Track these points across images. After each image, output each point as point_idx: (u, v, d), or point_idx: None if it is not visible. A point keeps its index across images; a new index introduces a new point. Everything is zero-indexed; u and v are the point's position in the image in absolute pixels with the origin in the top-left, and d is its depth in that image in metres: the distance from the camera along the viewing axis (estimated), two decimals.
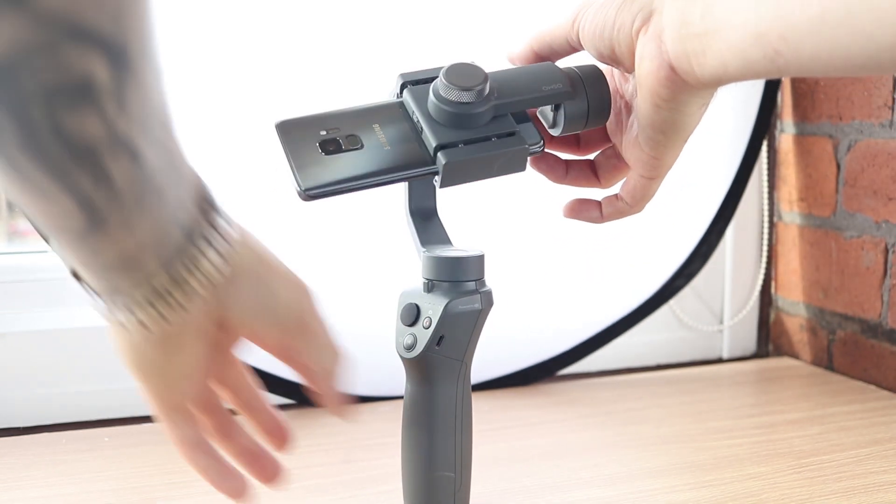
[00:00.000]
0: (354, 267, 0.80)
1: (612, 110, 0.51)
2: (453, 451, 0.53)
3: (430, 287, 0.50)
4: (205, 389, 0.46)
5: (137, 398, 0.78)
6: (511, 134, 0.49)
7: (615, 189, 0.54)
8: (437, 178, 0.48)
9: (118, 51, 0.30)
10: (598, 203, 0.54)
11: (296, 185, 0.47)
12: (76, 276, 0.41)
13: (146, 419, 0.77)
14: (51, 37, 0.28)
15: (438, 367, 0.51)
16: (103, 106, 0.31)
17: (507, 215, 0.84)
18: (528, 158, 0.50)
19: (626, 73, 0.50)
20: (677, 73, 0.44)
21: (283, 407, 0.81)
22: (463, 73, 0.48)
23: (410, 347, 0.51)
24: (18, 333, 0.76)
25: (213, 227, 0.40)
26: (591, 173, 0.55)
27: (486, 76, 0.48)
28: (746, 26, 0.39)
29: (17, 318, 0.78)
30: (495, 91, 0.49)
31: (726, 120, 0.94)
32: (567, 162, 0.55)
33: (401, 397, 0.83)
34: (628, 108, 0.51)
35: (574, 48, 0.51)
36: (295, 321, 0.44)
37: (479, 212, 0.82)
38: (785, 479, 0.63)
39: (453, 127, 0.48)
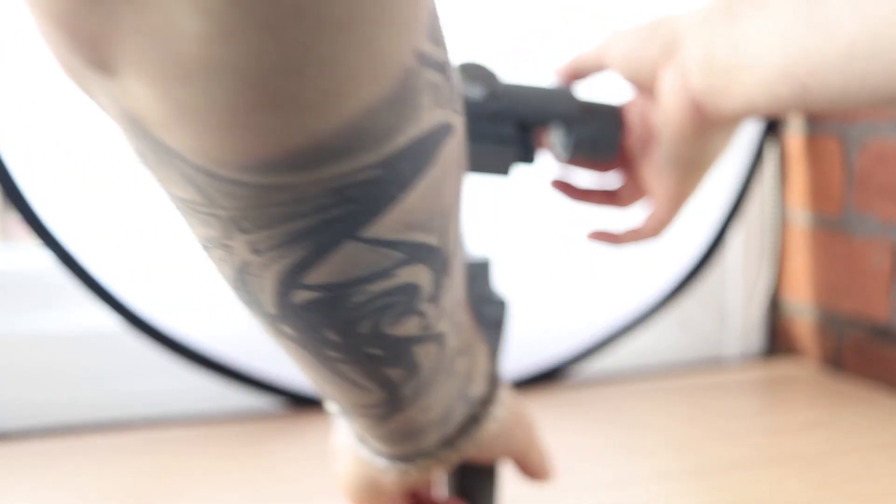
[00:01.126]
0: None
1: (637, 137, 0.52)
2: None
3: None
4: None
5: (131, 402, 0.78)
6: (503, 139, 0.49)
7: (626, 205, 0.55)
8: None
9: (442, 260, 0.30)
10: (619, 235, 0.55)
11: None
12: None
13: (140, 423, 0.77)
14: (388, 261, 0.28)
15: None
16: (423, 310, 0.31)
17: (510, 218, 0.83)
18: (514, 169, 0.51)
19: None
20: (703, 109, 0.44)
21: (279, 410, 0.80)
22: (475, 70, 0.49)
23: None
24: (10, 337, 0.75)
25: (496, 397, 0.43)
26: (608, 194, 0.55)
27: (496, 78, 0.49)
28: (773, 62, 0.39)
29: (8, 321, 0.77)
30: (503, 97, 0.49)
31: None
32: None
33: None
34: (654, 136, 0.51)
35: (603, 70, 0.51)
36: (522, 456, 0.48)
37: (482, 213, 0.81)
38: (792, 484, 0.62)
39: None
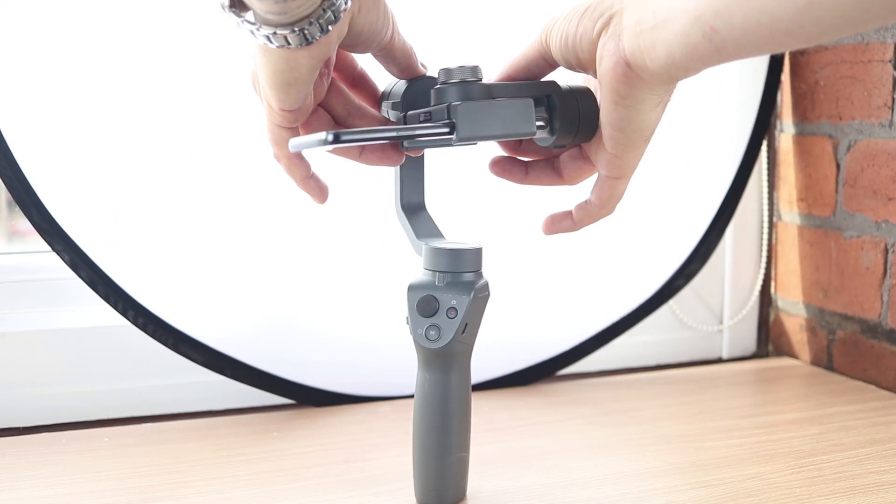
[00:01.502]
0: (352, 275, 0.80)
1: (571, 55, 0.53)
2: (467, 431, 0.57)
3: (444, 279, 0.53)
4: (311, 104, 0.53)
5: (137, 398, 0.79)
6: (515, 97, 0.53)
7: (580, 189, 0.56)
8: (454, 134, 0.51)
9: None
10: (570, 212, 0.56)
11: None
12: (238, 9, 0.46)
13: (146, 419, 0.78)
14: None
15: (459, 354, 0.55)
16: None
17: (505, 214, 0.84)
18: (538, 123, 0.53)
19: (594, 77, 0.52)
20: (633, 69, 0.47)
21: (283, 407, 0.81)
22: (457, 73, 0.53)
23: (436, 338, 0.54)
24: (18, 333, 0.76)
25: None
26: (554, 172, 0.57)
27: (479, 73, 0.53)
28: (687, 12, 0.42)
29: (16, 318, 0.78)
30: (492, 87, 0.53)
31: (726, 120, 0.94)
32: (527, 163, 0.57)
33: (400, 397, 0.83)
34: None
35: (550, 64, 0.54)
36: (389, 40, 0.53)
37: (479, 210, 0.82)
38: (785, 479, 0.63)
39: (468, 97, 0.52)
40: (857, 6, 0.36)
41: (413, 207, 0.59)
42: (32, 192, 0.69)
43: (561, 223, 0.57)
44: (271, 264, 0.78)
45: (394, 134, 0.51)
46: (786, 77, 0.98)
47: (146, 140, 0.72)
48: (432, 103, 0.53)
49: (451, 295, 0.53)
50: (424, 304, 0.53)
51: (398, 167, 0.58)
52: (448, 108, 0.51)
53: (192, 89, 0.73)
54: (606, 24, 0.48)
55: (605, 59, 0.47)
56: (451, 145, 0.52)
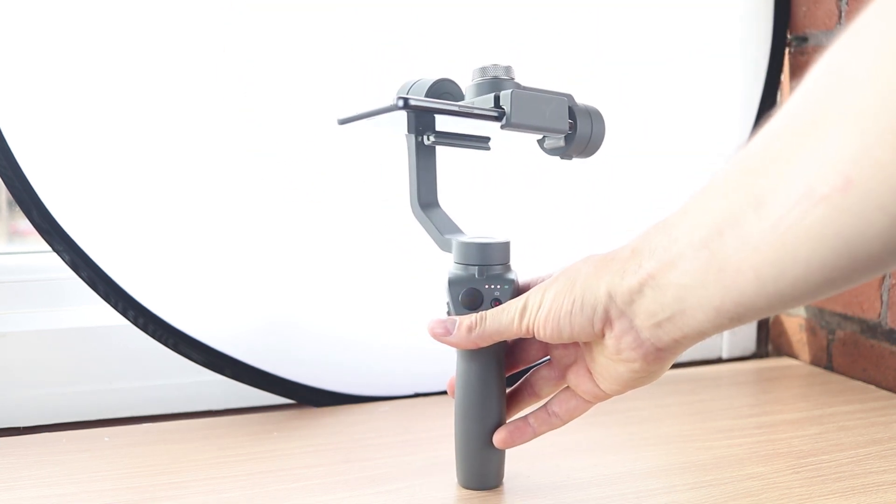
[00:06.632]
0: (352, 275, 0.80)
1: (568, 342, 0.53)
2: (504, 417, 0.59)
3: (482, 272, 0.55)
4: None
5: (137, 398, 0.79)
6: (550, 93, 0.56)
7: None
8: (503, 119, 0.53)
9: None
10: (528, 423, 0.58)
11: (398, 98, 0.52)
12: None
13: (146, 419, 0.78)
14: None
15: (499, 343, 0.56)
16: None
17: (506, 214, 0.84)
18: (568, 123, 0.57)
19: None
20: (665, 351, 0.47)
21: (283, 407, 0.81)
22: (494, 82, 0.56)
23: None
24: (18, 333, 0.76)
25: None
26: (533, 393, 0.59)
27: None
28: (703, 305, 0.42)
29: (17, 318, 0.78)
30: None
31: (728, 121, 0.94)
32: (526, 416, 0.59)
33: (399, 397, 0.83)
34: (584, 344, 0.53)
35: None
36: None
37: (479, 209, 0.82)
38: (784, 479, 0.63)
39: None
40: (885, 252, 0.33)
41: (429, 205, 0.61)
42: (33, 192, 0.69)
43: (522, 437, 0.58)
44: (271, 264, 0.78)
45: (455, 109, 0.53)
46: (785, 77, 0.98)
47: (146, 140, 0.73)
48: (467, 99, 0.55)
49: (492, 287, 0.55)
50: (469, 297, 0.55)
51: (413, 168, 0.60)
52: (497, 97, 0.53)
53: (193, 89, 0.73)
54: (607, 321, 0.47)
55: (631, 352, 0.48)
56: (486, 148, 0.56)
